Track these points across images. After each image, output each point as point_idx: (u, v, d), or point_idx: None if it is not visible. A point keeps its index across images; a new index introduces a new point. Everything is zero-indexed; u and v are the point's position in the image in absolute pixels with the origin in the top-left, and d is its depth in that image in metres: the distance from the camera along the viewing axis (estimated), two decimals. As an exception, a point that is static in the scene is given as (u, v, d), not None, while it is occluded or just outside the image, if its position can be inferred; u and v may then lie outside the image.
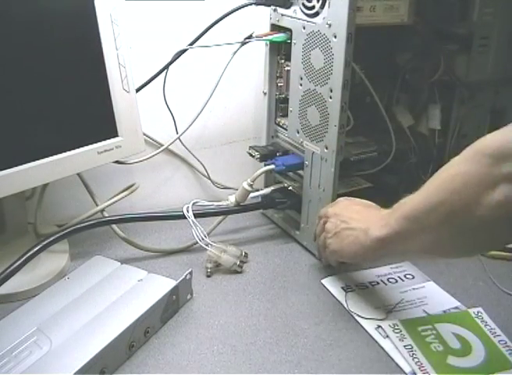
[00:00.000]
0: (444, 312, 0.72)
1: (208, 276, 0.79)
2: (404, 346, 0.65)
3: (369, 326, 0.69)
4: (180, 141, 0.93)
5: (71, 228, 0.76)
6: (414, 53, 0.84)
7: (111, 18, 0.73)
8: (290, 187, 0.89)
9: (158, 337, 0.67)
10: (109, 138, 0.77)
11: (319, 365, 0.64)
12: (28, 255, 0.70)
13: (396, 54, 0.87)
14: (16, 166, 0.68)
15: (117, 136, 0.77)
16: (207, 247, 0.79)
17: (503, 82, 0.91)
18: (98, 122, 0.76)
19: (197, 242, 0.80)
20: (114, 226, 0.83)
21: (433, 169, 0.88)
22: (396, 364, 0.64)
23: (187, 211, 0.81)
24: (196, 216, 0.80)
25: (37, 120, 0.70)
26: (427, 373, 0.62)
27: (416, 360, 0.63)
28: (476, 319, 0.70)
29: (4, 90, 0.66)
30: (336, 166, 0.76)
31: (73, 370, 0.55)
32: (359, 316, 0.71)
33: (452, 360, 0.64)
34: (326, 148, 0.77)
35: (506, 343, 0.66)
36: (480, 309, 0.72)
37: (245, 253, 0.82)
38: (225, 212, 0.87)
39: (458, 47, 0.84)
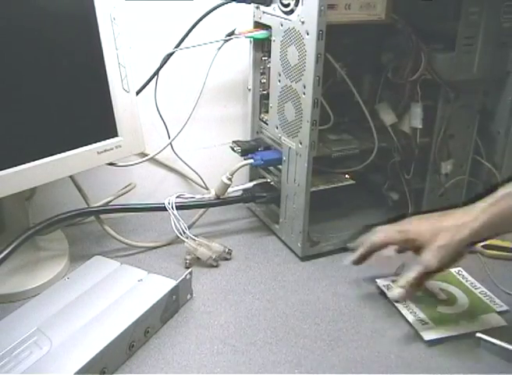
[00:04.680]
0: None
1: (187, 267, 0.80)
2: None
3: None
4: (171, 146, 0.93)
5: (54, 218, 0.77)
6: (397, 52, 0.85)
7: (111, 17, 0.73)
8: (272, 182, 0.90)
9: (158, 337, 0.67)
10: (109, 138, 0.76)
11: (319, 365, 0.64)
12: (15, 244, 0.71)
13: (381, 52, 0.88)
14: (15, 166, 0.67)
15: (117, 136, 0.77)
16: (186, 240, 0.81)
17: (492, 82, 0.91)
18: (98, 122, 0.76)
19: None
20: (107, 227, 0.84)
21: (415, 169, 0.89)
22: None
23: (169, 203, 0.81)
24: (176, 208, 0.81)
25: (37, 120, 0.70)
26: (420, 318, 0.70)
27: (410, 310, 0.72)
28: (457, 275, 0.80)
29: (3, 90, 0.66)
30: (309, 161, 0.77)
31: (74, 370, 0.55)
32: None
33: (441, 309, 0.73)
34: (300, 144, 0.78)
35: (486, 293, 0.76)
36: (460, 269, 0.81)
37: (229, 249, 0.83)
38: (205, 205, 0.89)
39: (443, 46, 0.84)
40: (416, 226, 0.71)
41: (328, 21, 0.70)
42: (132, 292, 0.70)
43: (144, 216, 0.94)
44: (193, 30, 0.85)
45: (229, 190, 0.87)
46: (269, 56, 0.85)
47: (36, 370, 0.57)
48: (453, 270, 0.81)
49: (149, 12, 0.88)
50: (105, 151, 0.76)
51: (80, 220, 0.89)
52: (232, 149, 0.90)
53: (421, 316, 0.71)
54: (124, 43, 0.75)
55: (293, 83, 0.78)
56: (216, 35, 0.86)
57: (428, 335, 0.68)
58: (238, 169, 0.86)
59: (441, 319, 0.70)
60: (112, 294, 0.69)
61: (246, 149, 0.89)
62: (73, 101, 0.73)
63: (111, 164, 0.80)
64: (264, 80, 0.88)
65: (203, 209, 0.91)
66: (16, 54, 0.66)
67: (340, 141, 0.87)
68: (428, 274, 0.68)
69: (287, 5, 0.76)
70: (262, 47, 0.87)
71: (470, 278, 0.79)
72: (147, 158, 0.89)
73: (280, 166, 0.86)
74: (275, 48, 0.81)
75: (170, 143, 0.92)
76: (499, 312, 0.72)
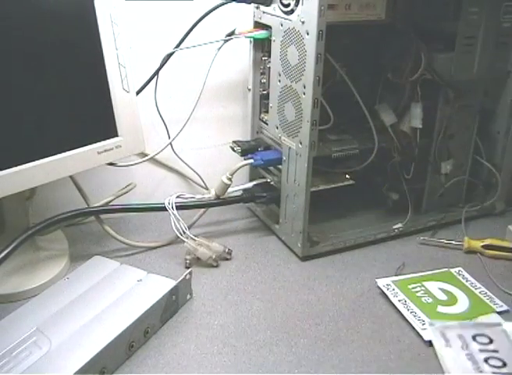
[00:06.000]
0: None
1: (187, 267, 0.80)
2: (398, 300, 0.74)
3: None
4: (171, 146, 0.93)
5: (54, 218, 0.77)
6: (397, 52, 0.85)
7: (111, 18, 0.73)
8: (272, 182, 0.90)
9: (157, 337, 0.67)
10: (109, 138, 0.76)
11: (319, 365, 0.64)
12: (14, 244, 0.71)
13: (381, 52, 0.88)
14: (15, 166, 0.67)
15: (117, 136, 0.77)
16: (186, 240, 0.81)
17: (492, 82, 0.91)
18: (98, 122, 0.76)
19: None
20: (107, 227, 0.84)
21: (415, 169, 0.90)
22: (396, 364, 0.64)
23: (169, 203, 0.81)
24: (176, 208, 0.81)
25: (37, 120, 0.70)
26: (420, 318, 0.70)
27: (410, 310, 0.72)
28: (458, 276, 0.80)
29: (4, 90, 0.66)
30: (309, 161, 0.77)
31: (73, 370, 0.55)
32: None
33: (441, 309, 0.73)
34: (300, 144, 0.78)
35: (486, 293, 0.76)
36: (460, 268, 0.81)
37: (229, 249, 0.83)
38: (205, 205, 0.89)
39: (443, 46, 0.84)
40: None
41: (328, 21, 0.70)
42: (131, 292, 0.70)
43: (144, 216, 0.94)
44: (193, 30, 0.85)
45: (229, 190, 0.87)
46: (269, 56, 0.85)
47: (35, 370, 0.57)
48: (453, 270, 0.81)
49: (149, 12, 0.88)
50: (105, 151, 0.76)
51: (80, 220, 0.89)
52: (232, 149, 0.90)
53: (421, 316, 0.71)
54: (124, 43, 0.75)
55: (293, 83, 0.78)
56: (216, 35, 0.85)
57: (428, 335, 0.68)
58: (238, 169, 0.86)
59: (441, 319, 0.70)
60: (112, 294, 0.69)
61: (246, 149, 0.89)
62: (73, 101, 0.73)
63: (111, 164, 0.80)
64: (264, 80, 0.88)
65: (203, 209, 0.91)
66: (15, 54, 0.66)
67: (340, 141, 0.87)
68: None
69: (287, 5, 0.76)
70: (262, 47, 0.87)
71: (470, 278, 0.79)
72: (147, 158, 0.89)
73: (280, 166, 0.86)
74: (275, 48, 0.81)
75: (170, 143, 0.92)
76: (499, 312, 0.72)
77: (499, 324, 0.68)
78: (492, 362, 0.62)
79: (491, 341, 0.64)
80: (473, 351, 0.63)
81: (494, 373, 0.60)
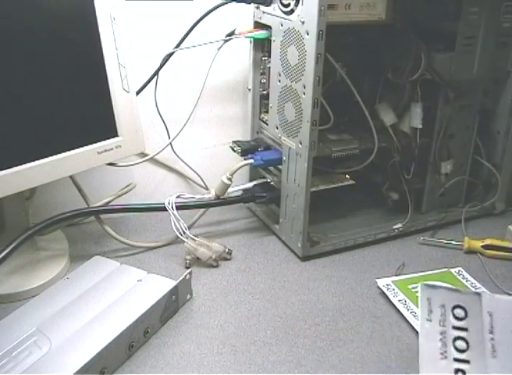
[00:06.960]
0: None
1: (187, 267, 0.80)
2: (398, 300, 0.73)
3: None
4: (171, 146, 0.93)
5: (54, 218, 0.77)
6: (397, 52, 0.85)
7: (111, 18, 0.73)
8: (272, 182, 0.90)
9: (157, 337, 0.67)
10: (109, 138, 0.76)
11: (319, 365, 0.64)
12: (14, 244, 0.71)
13: (381, 52, 0.88)
14: (15, 166, 0.67)
15: (117, 136, 0.77)
16: (186, 240, 0.81)
17: (492, 82, 0.91)
18: (98, 122, 0.76)
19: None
20: (107, 227, 0.84)
21: (415, 169, 0.90)
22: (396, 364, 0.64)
23: (169, 203, 0.81)
24: (176, 208, 0.81)
25: (37, 120, 0.70)
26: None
27: (410, 310, 0.72)
28: (458, 276, 0.80)
29: (3, 90, 0.66)
30: (309, 161, 0.77)
31: (73, 371, 0.55)
32: None
33: None
34: (300, 144, 0.78)
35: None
36: (460, 268, 0.81)
37: (229, 250, 0.83)
38: (205, 205, 0.89)
39: (443, 46, 0.84)
40: None
41: (328, 21, 0.70)
42: (131, 292, 0.70)
43: (144, 216, 0.94)
44: (193, 30, 0.86)
45: (229, 190, 0.87)
46: (269, 56, 0.85)
47: (35, 370, 0.57)
48: (453, 270, 0.81)
49: (149, 12, 0.88)
50: (105, 151, 0.76)
51: (80, 220, 0.89)
52: (232, 149, 0.90)
53: None
54: (124, 43, 0.75)
55: (293, 83, 0.78)
56: (216, 35, 0.86)
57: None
58: (238, 169, 0.86)
59: None
60: (112, 295, 0.69)
61: (246, 149, 0.89)
62: (73, 101, 0.73)
63: (111, 164, 0.80)
64: (264, 80, 0.88)
65: (203, 209, 0.91)
66: (15, 54, 0.66)
67: (340, 141, 0.87)
68: None
69: (287, 5, 0.76)
70: (262, 47, 0.87)
71: (470, 278, 0.79)
72: (147, 158, 0.89)
73: (280, 166, 0.86)
74: (275, 48, 0.81)
75: (170, 143, 0.92)
76: (499, 312, 0.72)
77: (478, 294, 0.66)
78: (458, 343, 0.61)
79: (466, 315, 0.63)
80: (448, 327, 0.62)
81: (455, 358, 0.60)
